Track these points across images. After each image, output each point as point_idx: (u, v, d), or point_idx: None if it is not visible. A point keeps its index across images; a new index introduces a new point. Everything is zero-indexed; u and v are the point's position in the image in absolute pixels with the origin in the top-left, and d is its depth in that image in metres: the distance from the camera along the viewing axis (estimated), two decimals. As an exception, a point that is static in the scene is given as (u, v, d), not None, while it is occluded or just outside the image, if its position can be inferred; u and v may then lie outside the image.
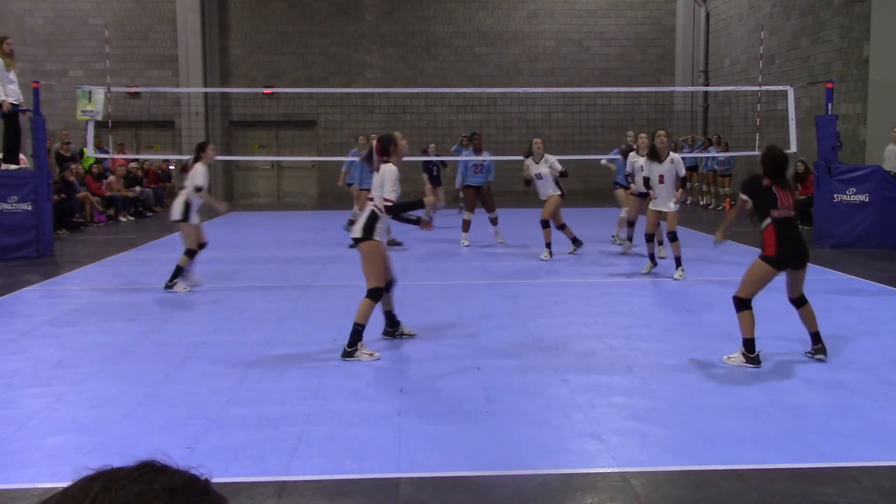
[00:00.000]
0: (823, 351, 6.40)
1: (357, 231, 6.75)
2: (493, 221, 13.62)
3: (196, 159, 9.75)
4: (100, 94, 13.42)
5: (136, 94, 22.68)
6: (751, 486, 4.15)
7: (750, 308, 6.35)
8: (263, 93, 21.64)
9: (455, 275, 10.77)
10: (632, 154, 11.92)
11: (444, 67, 24.01)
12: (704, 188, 20.67)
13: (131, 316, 8.34)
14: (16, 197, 12.12)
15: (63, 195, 15.50)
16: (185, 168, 10.19)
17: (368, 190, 7.69)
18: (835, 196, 12.88)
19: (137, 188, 19.50)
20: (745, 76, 20.33)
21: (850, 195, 12.87)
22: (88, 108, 13.22)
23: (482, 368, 6.27)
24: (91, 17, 23.21)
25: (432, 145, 16.94)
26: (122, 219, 18.27)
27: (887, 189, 12.87)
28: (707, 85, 22.61)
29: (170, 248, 13.82)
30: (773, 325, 7.72)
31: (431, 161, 15.98)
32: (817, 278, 10.38)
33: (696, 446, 4.71)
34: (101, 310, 8.74)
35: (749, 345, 6.32)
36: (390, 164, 6.77)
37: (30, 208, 12.11)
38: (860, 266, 10.93)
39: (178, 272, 9.61)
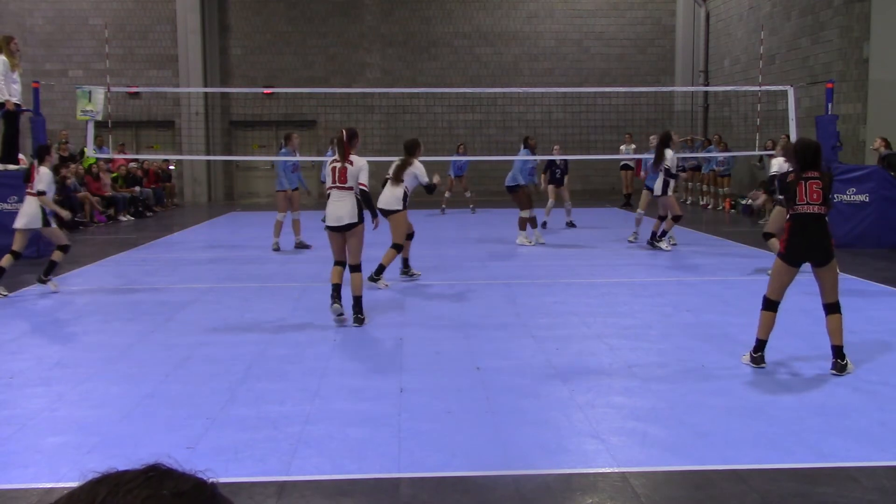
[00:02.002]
0: (841, 367, 6.08)
1: (354, 216, 7.74)
2: (532, 223, 13.58)
3: (41, 162, 9.66)
4: (100, 94, 13.42)
5: (136, 94, 22.68)
6: (751, 486, 4.15)
7: (771, 310, 6.26)
8: (263, 93, 21.64)
9: (456, 274, 10.77)
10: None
11: (444, 67, 24.01)
12: (704, 188, 20.68)
13: (131, 316, 8.34)
14: (16, 197, 12.11)
15: (60, 196, 15.49)
16: (28, 174, 9.78)
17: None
18: (835, 196, 12.88)
19: (137, 188, 19.50)
20: (745, 76, 20.32)
21: (850, 195, 12.88)
22: (88, 108, 13.21)
23: (482, 368, 6.27)
24: (91, 17, 23.21)
25: (556, 146, 16.74)
26: (122, 219, 18.27)
27: (887, 189, 12.87)
28: (707, 85, 22.61)
29: (170, 249, 13.83)
30: (775, 325, 7.72)
31: (555, 161, 15.87)
32: (817, 278, 10.39)
33: (696, 446, 4.71)
34: (101, 310, 8.75)
35: (757, 344, 6.31)
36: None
37: (30, 208, 12.09)
38: (860, 266, 10.93)
39: (53, 267, 9.58)
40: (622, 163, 21.07)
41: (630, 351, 6.78)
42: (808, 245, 6.08)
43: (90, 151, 14.96)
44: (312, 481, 4.26)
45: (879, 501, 4.01)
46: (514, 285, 9.90)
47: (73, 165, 17.36)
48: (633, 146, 20.54)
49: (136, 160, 20.19)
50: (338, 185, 7.75)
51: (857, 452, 4.56)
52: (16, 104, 12.11)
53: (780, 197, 10.89)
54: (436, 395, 5.64)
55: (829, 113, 13.08)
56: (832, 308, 6.16)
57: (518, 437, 4.86)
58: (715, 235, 14.63)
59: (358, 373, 6.24)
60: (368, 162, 7.99)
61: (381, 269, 9.77)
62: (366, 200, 7.78)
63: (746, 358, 6.36)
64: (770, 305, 6.29)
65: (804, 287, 9.77)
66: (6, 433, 4.93)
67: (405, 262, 10.45)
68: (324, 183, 12.96)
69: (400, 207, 9.84)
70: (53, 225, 9.71)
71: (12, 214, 12.04)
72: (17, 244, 9.53)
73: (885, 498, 4.05)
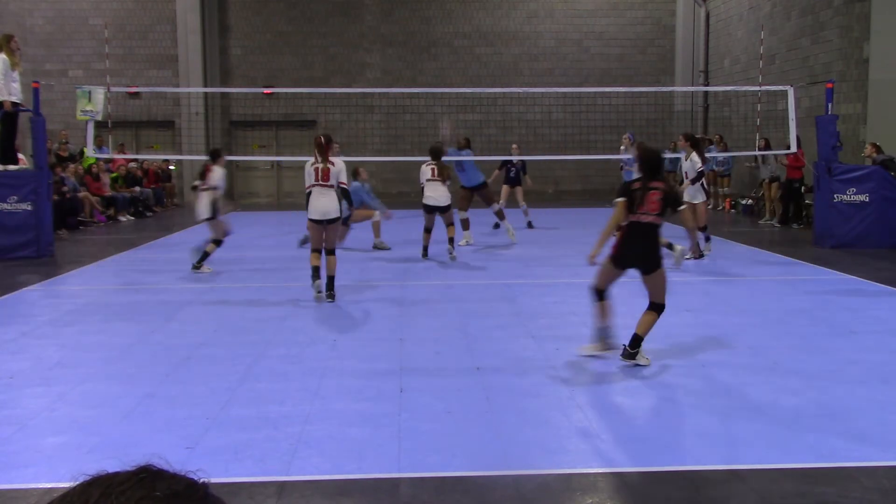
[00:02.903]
0: (630, 356, 6.20)
1: (337, 211, 8.81)
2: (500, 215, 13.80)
3: (214, 162, 11.00)
4: (100, 94, 13.41)
5: (136, 94, 22.67)
6: (751, 486, 4.15)
7: (602, 299, 6.40)
8: (263, 93, 21.63)
9: (456, 275, 10.77)
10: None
11: (444, 67, 24.00)
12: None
13: (131, 316, 8.34)
14: (16, 197, 12.12)
15: (56, 196, 15.50)
16: (203, 173, 11.07)
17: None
18: (835, 196, 12.87)
19: (137, 188, 19.50)
20: (745, 76, 20.32)
21: (850, 195, 12.87)
22: (88, 108, 13.21)
23: (482, 368, 6.27)
24: (91, 17, 23.20)
25: (514, 145, 16.69)
26: (122, 219, 18.27)
27: (887, 189, 12.87)
28: (707, 85, 22.60)
29: (170, 249, 13.82)
30: (775, 326, 7.73)
31: (511, 161, 15.78)
32: (818, 278, 10.39)
33: (696, 446, 4.71)
34: (101, 310, 8.74)
35: (602, 331, 6.41)
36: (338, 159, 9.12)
37: (30, 208, 12.11)
38: (860, 266, 10.93)
39: (206, 257, 10.86)
40: (622, 163, 21.05)
41: (630, 351, 6.77)
42: (637, 253, 6.23)
43: (90, 151, 14.95)
44: (312, 481, 4.26)
45: (879, 501, 4.01)
46: (513, 285, 9.90)
47: (72, 165, 17.35)
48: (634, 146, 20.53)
49: (136, 160, 20.18)
50: (321, 183, 8.73)
51: (857, 452, 4.56)
52: (15, 103, 12.10)
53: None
54: (436, 395, 5.64)
55: (829, 113, 13.07)
56: (655, 306, 6.29)
57: (518, 437, 4.86)
58: (715, 235, 14.63)
59: (358, 373, 6.24)
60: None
61: (452, 241, 11.87)
62: (346, 196, 9.12)
63: (589, 349, 6.42)
64: (599, 295, 6.42)
65: (803, 286, 9.79)
66: (6, 433, 4.93)
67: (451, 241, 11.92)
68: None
69: (450, 203, 11.81)
70: (220, 218, 10.91)
71: (12, 214, 12.09)
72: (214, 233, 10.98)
73: (885, 498, 4.05)
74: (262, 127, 24.09)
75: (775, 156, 16.48)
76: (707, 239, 11.85)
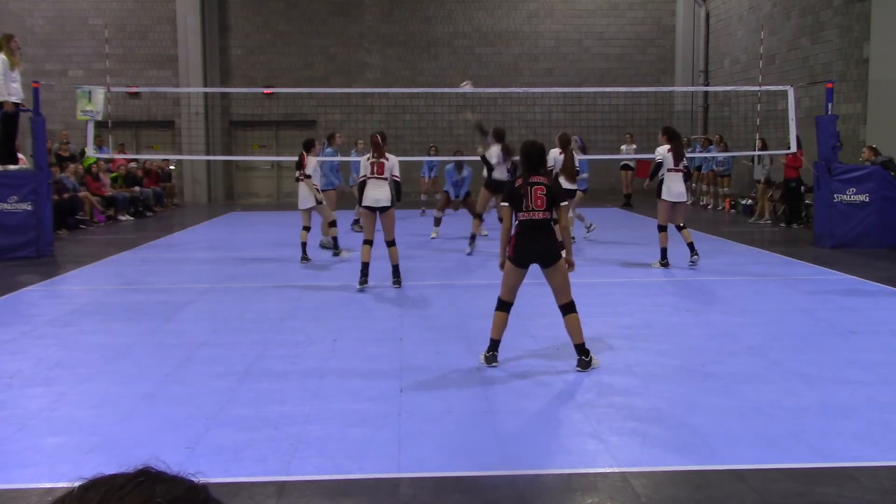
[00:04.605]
0: (585, 364, 6.18)
1: (388, 200, 9.47)
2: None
3: (308, 152, 11.76)
4: (100, 94, 13.41)
5: (136, 94, 22.66)
6: (751, 486, 4.15)
7: (504, 310, 6.34)
8: (263, 93, 21.62)
9: (455, 275, 10.76)
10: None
11: (444, 67, 24.00)
12: (704, 188, 20.68)
13: (131, 316, 8.34)
14: (16, 197, 12.12)
15: (56, 197, 15.50)
16: (300, 163, 11.85)
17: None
18: (835, 196, 12.87)
19: (137, 188, 19.50)
20: (745, 76, 20.32)
21: (850, 195, 12.87)
22: (88, 108, 13.20)
23: (482, 368, 6.27)
24: (91, 17, 23.20)
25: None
26: (122, 219, 18.27)
27: (887, 189, 12.87)
28: (707, 85, 22.60)
29: (170, 249, 13.83)
30: (775, 326, 7.73)
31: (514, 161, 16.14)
32: (817, 278, 10.39)
33: (696, 446, 4.71)
34: (101, 310, 8.74)
35: (490, 344, 6.35)
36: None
37: (30, 208, 12.11)
38: (860, 266, 10.93)
39: (336, 242, 11.94)
40: (622, 163, 21.05)
41: (630, 351, 6.78)
42: (535, 249, 6.15)
43: (90, 151, 14.95)
44: (312, 481, 4.26)
45: (879, 501, 4.01)
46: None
47: (72, 165, 17.35)
48: (634, 146, 20.53)
49: (136, 160, 20.17)
50: (376, 175, 9.51)
51: (857, 452, 4.56)
52: (15, 103, 12.10)
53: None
54: (436, 395, 5.64)
55: (829, 113, 13.06)
56: (567, 308, 6.23)
57: (518, 437, 4.86)
58: (715, 235, 14.63)
59: (358, 373, 6.24)
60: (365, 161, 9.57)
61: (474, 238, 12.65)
62: (397, 189, 9.62)
63: (481, 357, 6.38)
64: (503, 306, 6.37)
65: (803, 286, 9.78)
66: (6, 433, 4.93)
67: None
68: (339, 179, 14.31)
69: None
70: (324, 202, 11.89)
71: (12, 214, 12.09)
72: (306, 221, 11.86)
73: (885, 498, 4.05)
74: (262, 127, 24.09)
75: (771, 156, 16.48)
76: (663, 256, 10.99)
